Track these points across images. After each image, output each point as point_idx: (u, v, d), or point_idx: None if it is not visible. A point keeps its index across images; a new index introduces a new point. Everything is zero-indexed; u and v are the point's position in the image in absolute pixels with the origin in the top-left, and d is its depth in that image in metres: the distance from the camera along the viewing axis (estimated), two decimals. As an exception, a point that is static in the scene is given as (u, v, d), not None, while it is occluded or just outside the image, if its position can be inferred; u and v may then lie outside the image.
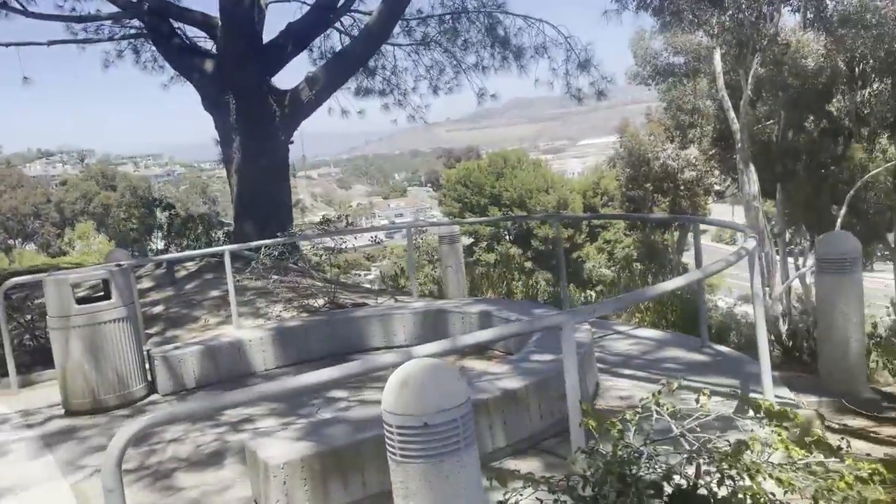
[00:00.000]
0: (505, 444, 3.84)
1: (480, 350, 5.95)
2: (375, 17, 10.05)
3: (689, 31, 23.08)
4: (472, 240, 38.09)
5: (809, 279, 23.40)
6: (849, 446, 2.27)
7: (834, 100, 22.16)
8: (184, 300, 8.42)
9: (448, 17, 13.65)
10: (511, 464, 3.76)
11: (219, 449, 4.45)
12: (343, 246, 8.21)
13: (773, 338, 6.52)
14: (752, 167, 21.47)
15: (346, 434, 3.54)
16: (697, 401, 2.61)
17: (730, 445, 2.24)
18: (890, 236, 23.15)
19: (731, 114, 21.48)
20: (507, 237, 40.22)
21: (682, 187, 30.67)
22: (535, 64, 12.62)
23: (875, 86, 21.55)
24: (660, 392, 2.56)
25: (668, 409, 2.49)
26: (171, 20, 10.39)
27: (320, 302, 7.89)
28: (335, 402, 5.12)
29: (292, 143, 10.65)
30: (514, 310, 5.86)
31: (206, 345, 5.94)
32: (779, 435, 2.23)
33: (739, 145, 21.42)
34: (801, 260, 25.60)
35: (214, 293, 8.58)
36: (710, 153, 28.52)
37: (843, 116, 22.80)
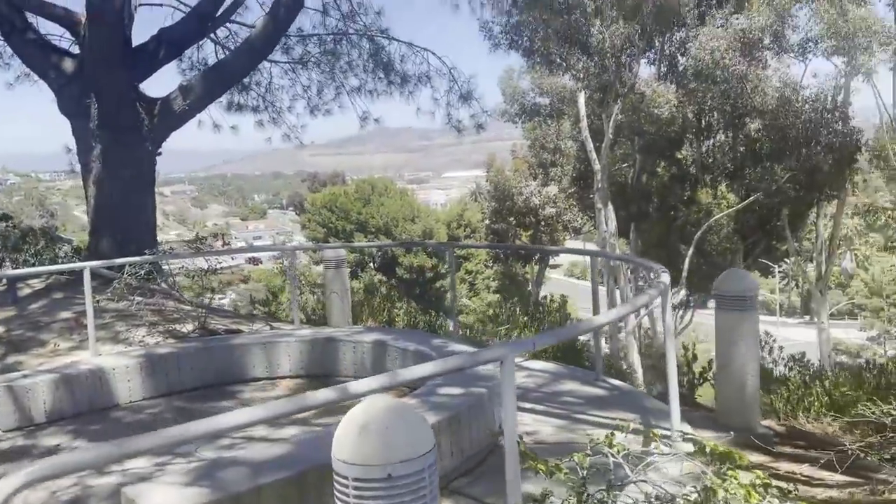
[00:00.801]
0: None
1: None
2: (260, 31, 9.61)
3: (557, 73, 24.14)
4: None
5: (657, 314, 24.78)
6: (796, 489, 2.24)
7: (683, 148, 23.84)
8: (29, 322, 7.51)
9: (329, 37, 13.40)
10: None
11: (80, 495, 3.88)
12: (218, 267, 7.65)
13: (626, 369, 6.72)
14: (610, 206, 22.62)
15: (244, 478, 3.17)
16: (595, 438, 2.51)
17: (697, 492, 2.14)
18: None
19: (593, 155, 22.53)
20: (372, 265, 39.96)
21: (542, 223, 31.87)
22: (418, 92, 12.59)
23: (719, 137, 23.41)
24: (612, 434, 2.44)
25: (619, 451, 2.37)
26: (26, 12, 9.43)
27: (189, 327, 7.30)
28: (216, 440, 4.65)
29: (160, 154, 9.91)
30: (412, 339, 5.64)
31: (59, 373, 5.26)
32: (735, 479, 2.16)
33: (599, 185, 22.51)
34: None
35: (65, 314, 7.72)
36: (570, 192, 29.87)
37: (690, 164, 24.61)
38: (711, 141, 23.58)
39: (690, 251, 22.15)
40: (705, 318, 30.36)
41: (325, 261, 7.35)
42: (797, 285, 57.50)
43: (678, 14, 20.13)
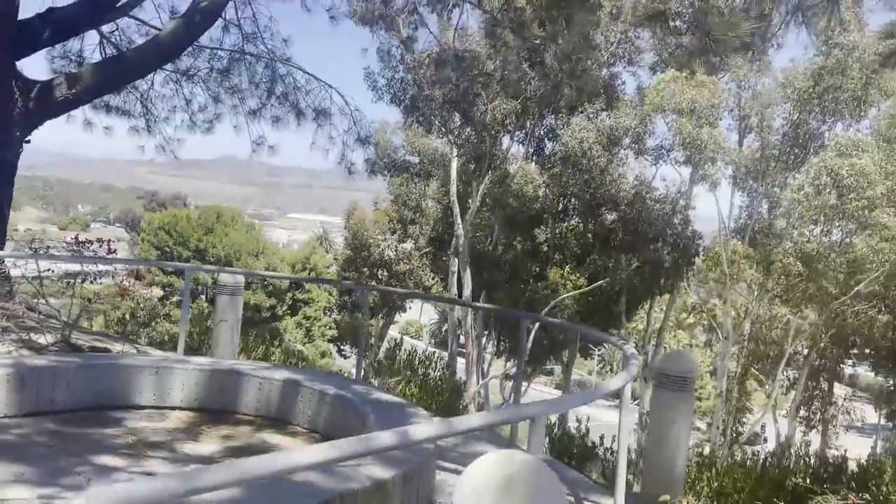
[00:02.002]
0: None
1: (274, 423, 5.22)
2: (170, 31, 8.96)
3: (432, 136, 24.68)
4: (162, 292, 35.28)
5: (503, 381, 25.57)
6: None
7: (542, 226, 25.00)
8: None
9: (225, 54, 12.84)
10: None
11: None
12: (96, 274, 6.82)
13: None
14: (468, 272, 23.10)
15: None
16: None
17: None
18: (565, 352, 26.32)
19: (458, 220, 23.02)
20: (204, 296, 37.92)
21: (394, 278, 31.88)
22: (314, 126, 12.25)
23: (574, 221, 24.78)
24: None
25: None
26: None
27: (47, 339, 6.41)
28: (109, 472, 4.02)
29: (28, 142, 8.85)
30: (330, 382, 5.27)
31: None
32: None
33: (461, 250, 22.97)
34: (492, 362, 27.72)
35: None
36: (425, 251, 30.28)
37: (543, 242, 25.82)
38: (566, 224, 24.93)
39: (536, 325, 23.02)
40: (531, 391, 31.49)
41: (220, 286, 6.79)
42: (611, 370, 61.49)
43: (556, 101, 21.35)
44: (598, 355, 52.27)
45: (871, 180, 16.36)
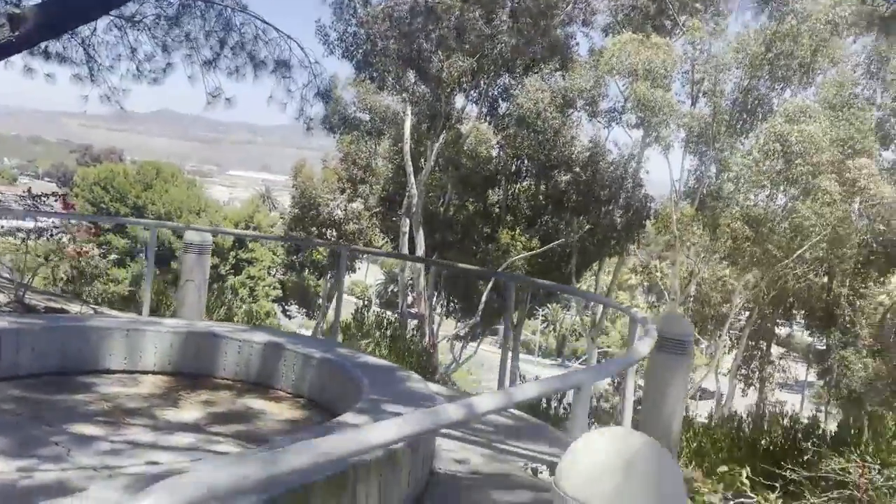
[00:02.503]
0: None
1: (255, 387, 5.02)
2: (121, -28, 8.37)
3: (384, 93, 24.17)
4: (98, 251, 34.10)
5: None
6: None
7: (495, 188, 24.95)
8: None
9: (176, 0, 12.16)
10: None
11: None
12: (52, 230, 6.41)
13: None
14: (421, 232, 22.91)
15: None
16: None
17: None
18: (516, 314, 26.55)
19: (412, 179, 22.72)
20: (143, 255, 36.86)
21: (343, 238, 31.48)
22: (271, 78, 11.73)
23: (526, 183, 24.79)
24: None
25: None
26: None
27: (1, 299, 6.02)
28: (89, 442, 3.77)
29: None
30: (314, 346, 5.08)
31: None
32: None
33: (414, 210, 22.74)
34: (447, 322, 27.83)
35: None
36: (375, 211, 29.96)
37: (496, 204, 25.80)
38: (518, 185, 24.92)
39: (488, 286, 23.08)
40: (480, 351, 31.81)
41: (187, 244, 6.47)
42: (554, 329, 62.67)
43: (513, 60, 21.11)
44: (542, 315, 53.10)
45: (818, 147, 16.76)
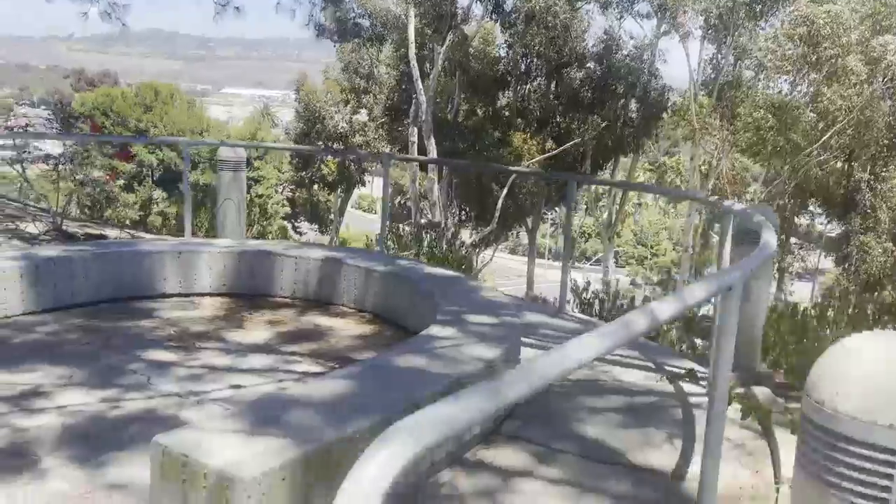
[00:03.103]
0: (483, 431, 3.05)
1: (315, 305, 4.88)
2: None
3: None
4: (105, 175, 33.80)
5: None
6: None
7: (505, 90, 24.26)
8: None
9: None
10: (489, 455, 2.98)
11: (16, 443, 2.80)
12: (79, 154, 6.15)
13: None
14: (433, 140, 22.43)
15: (321, 424, 2.38)
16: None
17: None
18: (530, 219, 26.39)
19: (419, 85, 22.05)
20: (151, 179, 36.53)
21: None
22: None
23: (537, 83, 24.05)
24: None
25: None
26: None
27: (38, 228, 5.83)
28: (166, 368, 3.65)
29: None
30: (369, 258, 4.91)
31: None
32: None
33: (424, 118, 22.18)
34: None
35: None
36: (381, 121, 29.33)
37: (505, 107, 25.15)
38: (529, 86, 24.19)
39: (504, 192, 22.79)
40: (497, 258, 31.86)
41: (222, 161, 6.21)
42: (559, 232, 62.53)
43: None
44: (550, 220, 52.96)
45: (846, 27, 16.06)
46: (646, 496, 2.71)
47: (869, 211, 22.96)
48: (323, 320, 4.58)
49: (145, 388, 3.37)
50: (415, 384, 2.75)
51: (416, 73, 22.09)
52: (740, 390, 3.86)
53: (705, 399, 3.72)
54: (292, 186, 40.64)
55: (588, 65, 21.11)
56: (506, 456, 2.96)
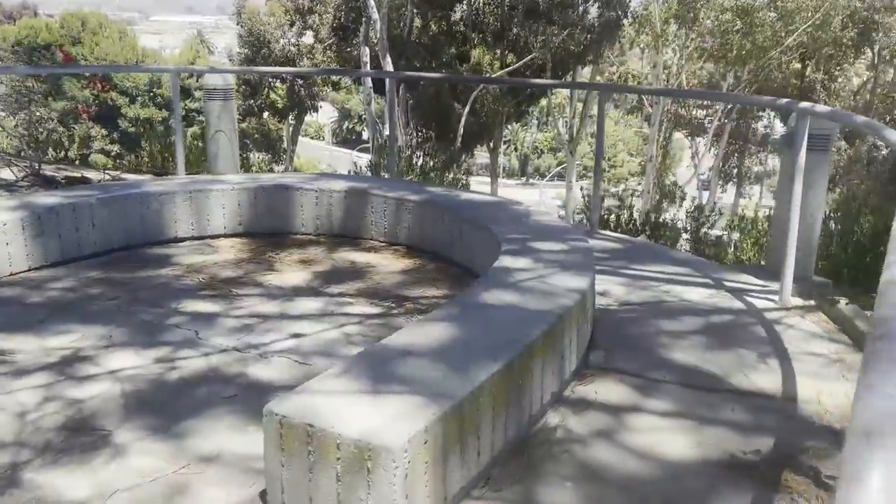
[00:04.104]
0: (576, 366, 2.86)
1: (344, 240, 4.56)
2: None
3: None
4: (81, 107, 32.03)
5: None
6: None
7: (459, 5, 23.38)
8: None
9: None
10: (588, 391, 2.80)
11: (78, 418, 2.50)
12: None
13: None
14: (388, 59, 21.61)
15: (443, 379, 2.14)
16: None
17: None
18: (496, 133, 26.01)
19: (372, 1, 21.00)
20: (86, 116, 34.70)
21: (300, 77, 29.82)
22: None
23: (491, -6, 23.17)
24: None
25: None
26: None
27: (14, 174, 5.32)
28: (212, 320, 3.33)
29: None
30: (396, 187, 4.58)
31: None
32: None
33: (380, 35, 21.27)
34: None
35: None
36: (329, 43, 28.19)
37: (460, 21, 24.30)
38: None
39: (466, 110, 22.27)
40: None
41: (210, 90, 5.70)
42: (516, 149, 62.28)
43: None
44: (505, 139, 52.45)
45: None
46: (769, 423, 2.57)
47: (823, 110, 23.25)
48: (357, 256, 4.28)
49: (197, 344, 3.06)
50: (520, 323, 2.52)
51: (366, -13, 21.00)
52: (811, 302, 3.75)
53: (781, 313, 3.60)
54: (239, 116, 39.21)
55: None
56: (606, 390, 2.79)
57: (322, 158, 48.99)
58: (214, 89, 5.68)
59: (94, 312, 3.38)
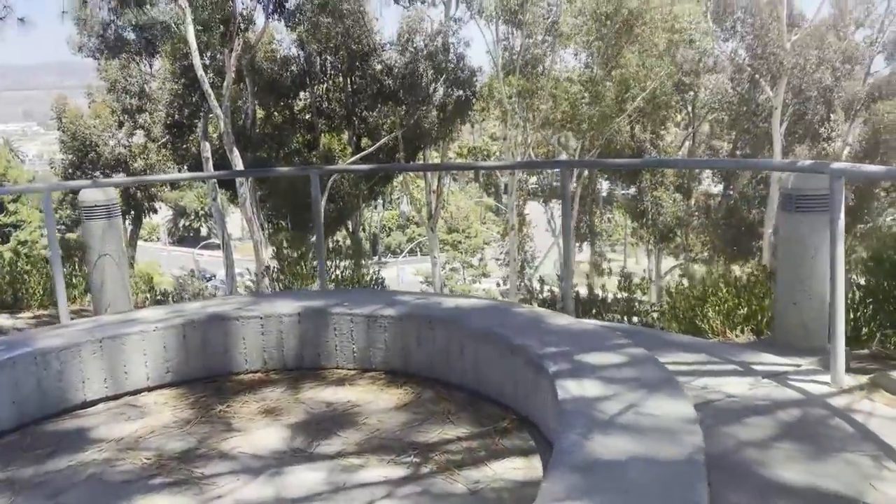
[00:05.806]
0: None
1: (300, 374, 3.71)
2: None
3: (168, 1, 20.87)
4: None
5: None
6: None
7: (302, 93, 23.09)
8: None
9: None
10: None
11: None
12: None
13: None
14: (236, 151, 20.64)
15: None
16: None
17: None
18: (350, 221, 25.50)
19: (212, 96, 20.11)
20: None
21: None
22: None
23: (335, 80, 23.07)
24: None
25: None
26: None
27: None
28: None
29: None
30: (361, 301, 3.82)
31: None
32: None
33: (224, 129, 20.32)
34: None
35: None
36: (163, 141, 26.86)
37: (303, 109, 23.93)
38: (326, 85, 23.13)
39: (325, 196, 21.59)
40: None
41: (89, 207, 4.69)
42: (364, 230, 62.01)
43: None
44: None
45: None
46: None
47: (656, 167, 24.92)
48: (329, 394, 3.45)
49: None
50: (666, 487, 1.89)
51: (205, 84, 20.08)
52: (862, 379, 3.42)
53: (846, 398, 3.22)
54: (62, 226, 36.34)
55: (389, 53, 20.57)
56: None
57: (162, 261, 46.05)
58: (95, 206, 4.68)
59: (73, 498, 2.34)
